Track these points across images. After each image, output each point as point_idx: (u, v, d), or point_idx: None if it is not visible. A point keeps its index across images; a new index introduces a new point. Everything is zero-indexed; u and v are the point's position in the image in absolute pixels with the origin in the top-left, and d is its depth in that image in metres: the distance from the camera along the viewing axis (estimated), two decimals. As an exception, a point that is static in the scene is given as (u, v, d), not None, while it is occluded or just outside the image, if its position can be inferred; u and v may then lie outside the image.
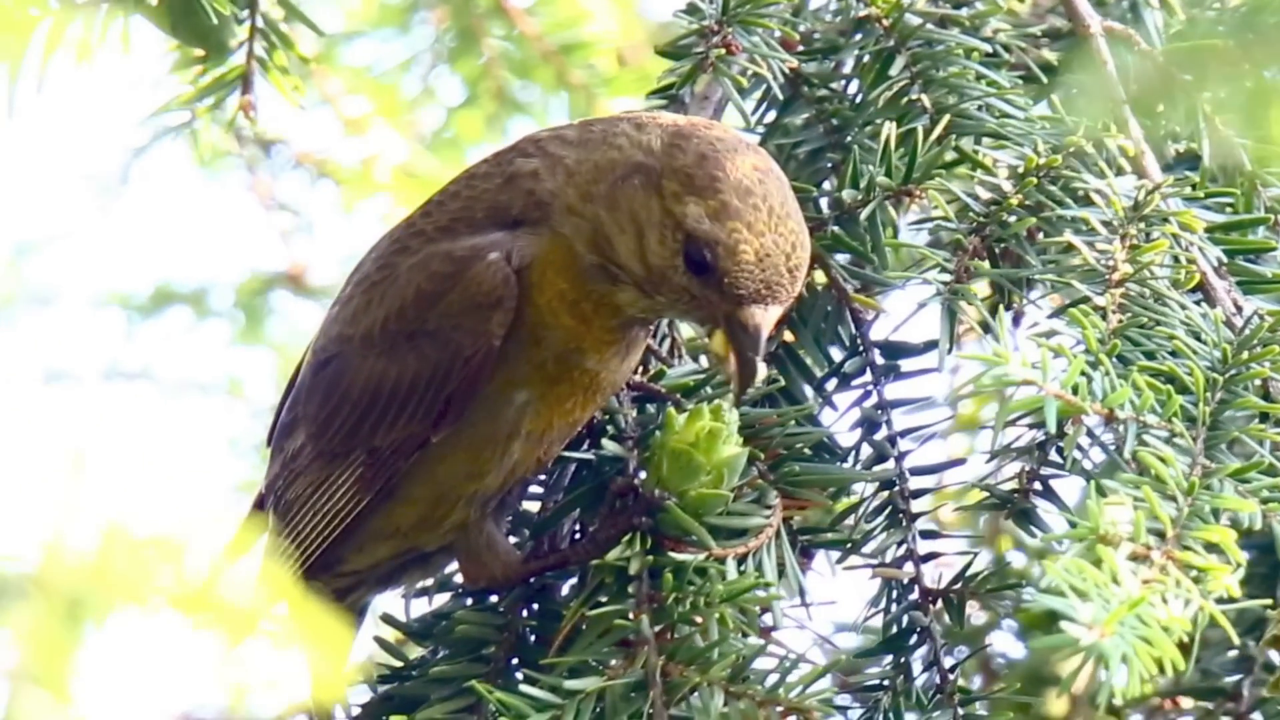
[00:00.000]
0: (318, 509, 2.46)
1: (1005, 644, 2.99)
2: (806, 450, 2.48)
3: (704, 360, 2.59)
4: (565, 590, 2.48)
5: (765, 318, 2.34)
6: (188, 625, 2.02)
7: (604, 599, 2.40)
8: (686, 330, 2.60)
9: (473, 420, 2.41)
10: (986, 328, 2.50)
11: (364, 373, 2.44)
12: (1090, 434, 2.39)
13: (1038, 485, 2.52)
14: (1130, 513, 2.24)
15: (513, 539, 2.50)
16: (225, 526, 2.00)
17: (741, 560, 2.39)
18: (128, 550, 1.96)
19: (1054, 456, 2.51)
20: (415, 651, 2.52)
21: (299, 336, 3.58)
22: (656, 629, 2.36)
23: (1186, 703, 2.73)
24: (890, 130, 2.54)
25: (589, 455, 2.50)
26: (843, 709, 2.44)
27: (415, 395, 2.41)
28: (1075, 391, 2.30)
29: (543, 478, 2.54)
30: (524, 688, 2.33)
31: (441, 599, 2.54)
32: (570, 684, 2.33)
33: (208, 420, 3.55)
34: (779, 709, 2.33)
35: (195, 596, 1.98)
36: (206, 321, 3.63)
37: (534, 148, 2.44)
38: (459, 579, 2.52)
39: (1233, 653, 2.65)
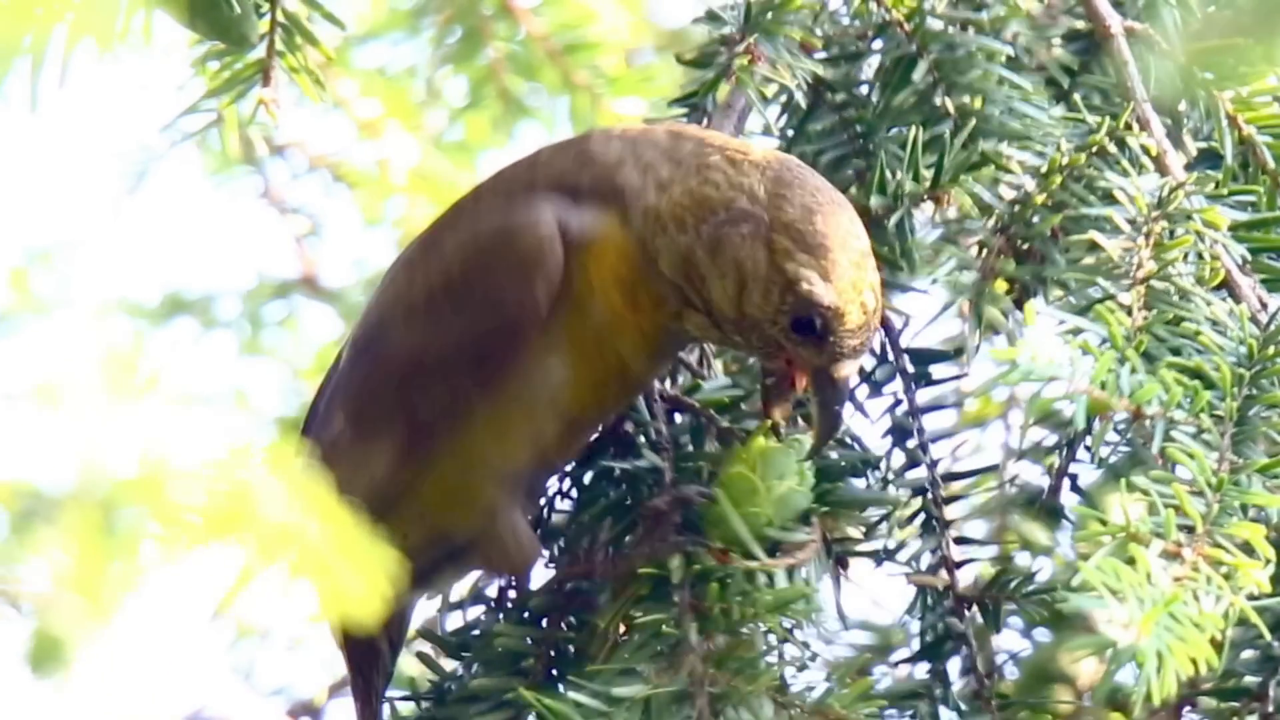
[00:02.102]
0: (354, 489, 2.38)
1: (1010, 641, 2.99)
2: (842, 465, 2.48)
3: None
4: (602, 601, 2.46)
5: (853, 370, 2.35)
6: (224, 542, 1.98)
7: (646, 608, 2.38)
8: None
9: (507, 392, 2.38)
10: (1007, 317, 2.50)
11: (407, 344, 2.40)
12: (1116, 430, 2.38)
13: (1066, 482, 2.53)
14: (1146, 510, 2.23)
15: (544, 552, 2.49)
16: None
17: (789, 574, 2.38)
18: (165, 467, 1.92)
19: (1079, 453, 2.51)
20: (450, 665, 2.50)
21: (310, 344, 3.56)
22: (702, 638, 2.35)
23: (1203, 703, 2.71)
24: (917, 135, 2.52)
25: (626, 465, 2.48)
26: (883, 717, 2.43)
27: (458, 361, 2.37)
28: (1104, 387, 2.30)
29: (575, 494, 2.52)
30: (571, 694, 2.32)
31: (475, 612, 2.52)
32: (617, 690, 2.31)
33: (213, 430, 3.50)
34: (827, 721, 2.32)
35: (232, 512, 1.93)
36: (213, 332, 3.59)
37: (618, 142, 2.40)
38: (482, 579, 2.50)
39: (1254, 652, 2.64)
